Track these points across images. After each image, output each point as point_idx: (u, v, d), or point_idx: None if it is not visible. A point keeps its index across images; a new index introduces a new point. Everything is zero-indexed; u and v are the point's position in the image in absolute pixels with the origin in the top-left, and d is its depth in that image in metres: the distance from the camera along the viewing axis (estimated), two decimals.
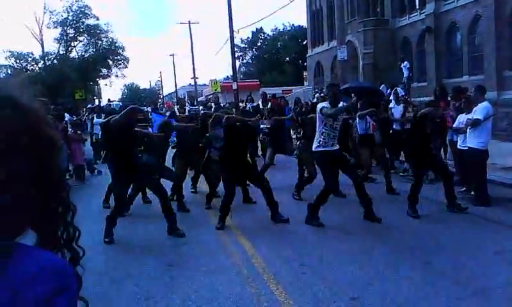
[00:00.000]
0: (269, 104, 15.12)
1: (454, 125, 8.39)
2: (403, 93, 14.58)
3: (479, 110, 7.57)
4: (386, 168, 9.12)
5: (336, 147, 6.86)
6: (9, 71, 45.27)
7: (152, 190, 7.05)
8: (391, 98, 12.35)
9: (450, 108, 8.93)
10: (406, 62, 24.57)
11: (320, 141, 6.82)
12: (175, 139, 9.24)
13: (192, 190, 9.63)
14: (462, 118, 8.06)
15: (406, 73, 24.23)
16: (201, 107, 14.91)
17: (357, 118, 9.14)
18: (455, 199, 7.25)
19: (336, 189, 7.21)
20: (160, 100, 53.80)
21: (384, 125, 10.45)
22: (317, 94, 21.10)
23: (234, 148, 7.14)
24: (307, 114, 9.42)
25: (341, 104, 6.87)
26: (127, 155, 6.57)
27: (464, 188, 8.43)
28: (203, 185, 9.26)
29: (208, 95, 39.14)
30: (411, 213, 7.02)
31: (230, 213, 7.14)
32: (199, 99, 30.03)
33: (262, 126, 11.49)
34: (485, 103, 7.64)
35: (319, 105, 7.01)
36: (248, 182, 8.14)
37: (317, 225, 6.69)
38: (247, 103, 18.26)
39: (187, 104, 16.22)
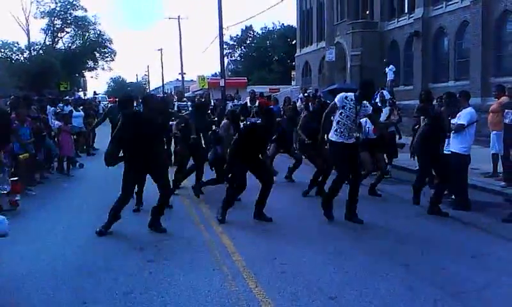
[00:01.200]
0: (257, 102, 15.09)
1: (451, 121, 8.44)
2: (390, 96, 14.70)
3: (463, 116, 7.64)
4: (382, 173, 9.12)
5: (352, 141, 6.83)
6: None
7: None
8: (377, 100, 12.43)
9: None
10: (391, 66, 24.68)
11: (336, 129, 6.77)
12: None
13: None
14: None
15: (390, 76, 24.34)
16: (189, 103, 14.82)
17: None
18: (439, 203, 7.32)
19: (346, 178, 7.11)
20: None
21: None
22: (301, 95, 21.07)
23: (247, 150, 7.03)
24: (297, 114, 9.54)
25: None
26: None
27: (445, 192, 8.50)
28: (187, 179, 9.21)
29: (196, 91, 39.07)
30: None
31: (211, 208, 7.14)
32: (186, 95, 29.91)
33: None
34: (469, 109, 7.73)
35: (341, 95, 6.86)
36: None
37: (327, 217, 6.80)
38: (228, 102, 18.22)
39: (174, 99, 16.13)
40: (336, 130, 6.76)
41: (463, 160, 7.69)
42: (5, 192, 2.57)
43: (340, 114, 6.69)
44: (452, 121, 7.89)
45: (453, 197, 8.11)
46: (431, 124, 7.86)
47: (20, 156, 9.18)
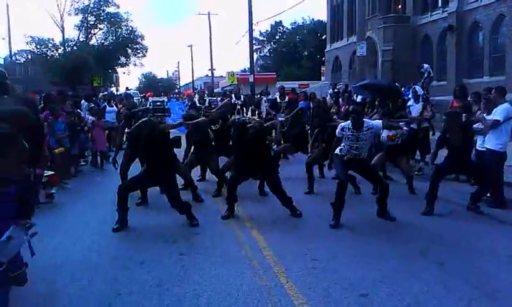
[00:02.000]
0: (286, 98, 15.03)
1: (473, 126, 8.26)
2: (423, 92, 14.42)
3: (499, 112, 7.46)
4: (408, 177, 8.93)
5: (354, 157, 6.87)
6: (29, 57, 45.85)
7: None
8: (410, 96, 12.20)
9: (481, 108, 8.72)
10: (426, 66, 23.69)
11: (341, 148, 6.97)
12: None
13: (199, 178, 9.66)
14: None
15: (426, 75, 23.40)
16: (219, 98, 14.91)
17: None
18: (478, 201, 7.26)
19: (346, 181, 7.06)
20: (177, 90, 53.97)
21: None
22: (330, 90, 20.87)
23: (243, 153, 7.30)
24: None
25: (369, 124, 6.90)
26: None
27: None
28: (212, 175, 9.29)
29: (225, 87, 39.20)
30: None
31: (241, 204, 7.18)
32: (215, 91, 30.08)
33: (280, 119, 11.48)
34: (505, 105, 7.53)
35: (340, 126, 7.03)
36: None
37: (332, 225, 6.60)
38: (263, 96, 18.18)
39: (205, 94, 16.23)
40: (341, 149, 6.96)
41: (498, 157, 7.51)
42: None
43: (342, 136, 6.90)
44: (488, 117, 7.71)
45: (488, 195, 7.93)
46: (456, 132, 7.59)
47: (56, 150, 9.43)
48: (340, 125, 7.04)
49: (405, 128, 8.21)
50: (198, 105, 10.95)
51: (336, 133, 7.02)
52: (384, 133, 8.58)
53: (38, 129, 3.07)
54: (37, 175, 3.00)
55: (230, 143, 8.62)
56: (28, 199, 2.78)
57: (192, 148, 9.29)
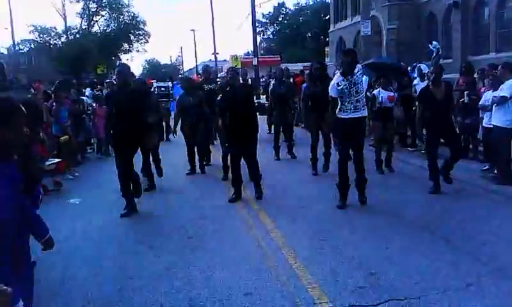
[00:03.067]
0: (292, 80, 14.97)
1: (480, 103, 8.22)
2: (427, 70, 14.29)
3: (506, 88, 7.38)
4: (391, 145, 8.95)
5: (354, 115, 6.48)
6: (32, 46, 45.80)
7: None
8: (415, 75, 12.10)
9: (486, 86, 8.64)
10: (435, 43, 23.11)
11: (340, 108, 6.60)
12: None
13: (203, 164, 9.46)
14: (488, 96, 7.90)
15: (435, 53, 22.90)
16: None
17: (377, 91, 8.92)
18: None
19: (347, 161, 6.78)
20: (180, 75, 53.78)
21: (407, 102, 10.31)
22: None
23: (230, 120, 7.14)
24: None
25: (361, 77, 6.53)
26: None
27: (486, 167, 8.30)
28: (218, 157, 9.30)
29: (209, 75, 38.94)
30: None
31: (248, 187, 7.22)
32: (219, 75, 29.93)
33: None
34: None
35: (332, 84, 6.66)
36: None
37: (339, 206, 6.52)
38: (270, 80, 18.09)
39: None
40: (340, 109, 6.62)
41: (506, 133, 7.45)
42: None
43: (341, 97, 6.56)
44: (494, 93, 7.64)
45: (495, 172, 7.90)
46: None
47: (61, 138, 9.45)
48: (331, 83, 6.67)
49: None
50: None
51: (330, 93, 6.70)
52: (385, 94, 8.61)
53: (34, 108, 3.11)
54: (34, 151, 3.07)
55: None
56: (32, 169, 2.85)
57: None
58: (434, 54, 20.38)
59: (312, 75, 8.66)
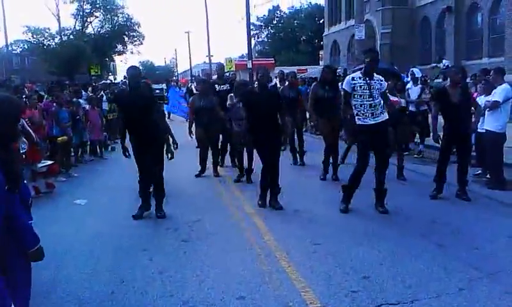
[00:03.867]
0: (287, 83, 14.97)
1: (472, 108, 8.26)
2: (421, 74, 14.38)
3: (498, 93, 7.45)
4: (401, 151, 8.81)
5: (374, 121, 6.24)
6: (25, 46, 45.57)
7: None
8: (408, 79, 12.20)
9: (478, 91, 8.69)
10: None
11: (357, 113, 6.35)
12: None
13: (215, 174, 9.20)
14: (480, 101, 7.95)
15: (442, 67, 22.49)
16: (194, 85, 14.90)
17: None
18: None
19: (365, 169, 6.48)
20: (175, 78, 53.72)
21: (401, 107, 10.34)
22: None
23: (255, 122, 6.72)
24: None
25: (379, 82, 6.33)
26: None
27: (479, 171, 8.35)
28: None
29: (224, 73, 39.02)
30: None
31: (241, 191, 7.20)
32: (213, 77, 29.95)
33: None
34: (504, 85, 7.52)
35: (349, 76, 6.55)
36: None
37: (342, 210, 6.45)
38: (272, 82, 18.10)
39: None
40: (357, 115, 6.36)
41: (498, 138, 7.51)
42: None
43: (353, 96, 6.30)
44: (487, 98, 7.70)
45: (488, 176, 7.96)
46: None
47: (59, 139, 9.39)
48: (348, 76, 6.47)
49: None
50: (195, 92, 10.97)
51: (344, 87, 6.44)
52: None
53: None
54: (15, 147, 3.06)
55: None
56: (10, 167, 2.84)
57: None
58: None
59: (322, 79, 8.55)
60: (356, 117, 6.38)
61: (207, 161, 9.12)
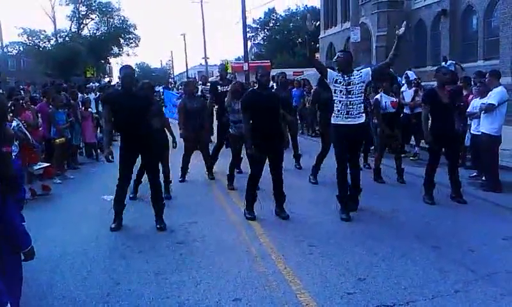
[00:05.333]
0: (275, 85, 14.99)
1: (468, 110, 8.30)
2: (415, 77, 14.43)
3: (494, 95, 7.48)
4: (397, 153, 8.83)
5: (354, 121, 6.16)
6: (21, 48, 45.45)
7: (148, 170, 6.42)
8: (402, 81, 12.24)
9: (473, 93, 8.70)
10: (449, 62, 22.64)
11: (334, 110, 6.27)
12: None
13: (211, 177, 9.12)
14: (476, 103, 7.99)
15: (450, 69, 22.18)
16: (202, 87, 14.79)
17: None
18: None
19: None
20: (171, 80, 53.67)
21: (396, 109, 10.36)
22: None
23: (256, 124, 6.33)
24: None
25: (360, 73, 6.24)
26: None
27: (475, 174, 8.38)
28: (216, 166, 9.28)
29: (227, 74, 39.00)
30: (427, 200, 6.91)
31: (237, 192, 7.17)
32: (209, 79, 29.93)
33: None
34: (500, 88, 7.55)
35: (330, 74, 6.33)
36: None
37: (344, 219, 6.27)
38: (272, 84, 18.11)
39: (199, 84, 16.18)
40: (333, 112, 6.30)
41: (493, 141, 7.53)
42: None
43: (334, 91, 6.20)
44: (482, 100, 7.73)
45: (483, 178, 7.99)
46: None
47: (57, 141, 9.34)
48: (329, 72, 6.31)
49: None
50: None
51: (328, 74, 6.28)
52: (388, 100, 8.57)
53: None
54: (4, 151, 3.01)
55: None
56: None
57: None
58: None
59: (323, 81, 8.47)
60: (333, 115, 6.31)
61: (188, 165, 8.96)
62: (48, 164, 8.29)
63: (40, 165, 7.87)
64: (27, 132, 7.15)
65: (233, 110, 7.97)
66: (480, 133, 7.71)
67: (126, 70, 6.23)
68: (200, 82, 16.98)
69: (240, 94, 7.50)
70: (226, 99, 8.51)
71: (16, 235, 3.02)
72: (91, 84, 25.96)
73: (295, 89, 15.76)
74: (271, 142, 6.32)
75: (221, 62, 14.11)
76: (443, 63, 21.61)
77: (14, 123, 7.06)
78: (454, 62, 21.86)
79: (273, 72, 19.75)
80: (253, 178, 6.42)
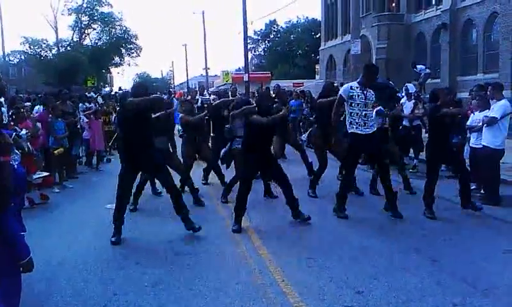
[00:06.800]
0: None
1: (468, 123, 8.28)
2: (415, 89, 14.48)
3: (496, 108, 7.43)
4: (400, 165, 8.84)
5: (366, 131, 6.62)
6: (22, 57, 45.60)
7: (160, 182, 6.57)
8: (402, 94, 12.25)
9: (473, 106, 8.70)
10: (420, 67, 22.70)
11: (351, 122, 6.68)
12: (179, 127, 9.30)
13: (204, 181, 9.39)
14: (476, 116, 7.97)
15: (423, 73, 22.50)
16: (212, 97, 14.89)
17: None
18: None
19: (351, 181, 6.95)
20: (172, 90, 53.79)
21: (395, 121, 10.38)
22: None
23: (255, 143, 6.56)
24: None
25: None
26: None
27: (474, 187, 8.36)
28: (215, 177, 9.26)
29: (220, 86, 39.17)
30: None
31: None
32: (210, 90, 30.00)
33: None
34: (503, 101, 7.51)
35: (346, 85, 6.95)
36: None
37: (342, 216, 6.76)
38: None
39: (198, 95, 16.17)
40: (351, 123, 6.68)
41: (496, 154, 7.49)
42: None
43: (350, 104, 6.64)
44: (483, 113, 7.72)
45: (482, 191, 7.97)
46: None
47: (55, 151, 9.32)
48: (344, 86, 6.84)
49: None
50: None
51: (341, 93, 6.70)
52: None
53: None
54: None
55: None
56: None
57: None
58: (422, 76, 20.35)
59: (325, 94, 8.50)
60: (349, 125, 6.71)
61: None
62: (47, 174, 8.27)
63: (39, 174, 7.85)
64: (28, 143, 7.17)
65: (237, 124, 7.89)
66: (481, 146, 7.67)
67: (140, 82, 6.33)
68: (199, 92, 16.95)
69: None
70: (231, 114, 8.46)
71: (14, 245, 3.01)
72: (91, 93, 25.99)
73: (293, 100, 16.00)
74: (267, 155, 6.71)
75: (234, 85, 14.22)
76: (414, 69, 21.85)
77: (23, 132, 7.12)
78: (424, 66, 22.00)
79: (272, 84, 19.85)
80: (245, 182, 6.56)
